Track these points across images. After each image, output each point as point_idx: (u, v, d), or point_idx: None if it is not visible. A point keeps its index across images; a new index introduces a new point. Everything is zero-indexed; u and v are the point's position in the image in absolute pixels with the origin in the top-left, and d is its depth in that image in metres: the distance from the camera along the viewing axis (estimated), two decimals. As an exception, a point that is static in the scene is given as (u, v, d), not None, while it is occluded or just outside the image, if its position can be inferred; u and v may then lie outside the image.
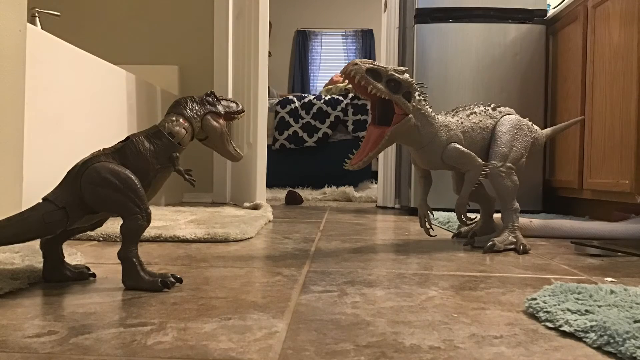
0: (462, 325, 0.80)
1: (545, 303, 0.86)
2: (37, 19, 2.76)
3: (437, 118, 1.51)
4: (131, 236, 0.97)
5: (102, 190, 0.96)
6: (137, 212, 0.97)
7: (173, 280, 1.00)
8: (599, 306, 0.83)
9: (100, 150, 1.01)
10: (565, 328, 0.77)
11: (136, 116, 2.57)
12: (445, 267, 1.27)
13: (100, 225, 1.10)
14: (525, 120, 1.65)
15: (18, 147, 1.50)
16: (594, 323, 0.74)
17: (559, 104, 2.72)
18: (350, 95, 4.70)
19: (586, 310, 0.81)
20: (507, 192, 1.56)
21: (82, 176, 0.97)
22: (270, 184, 4.62)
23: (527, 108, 2.76)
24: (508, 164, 1.56)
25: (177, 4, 3.36)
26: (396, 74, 1.40)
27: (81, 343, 0.68)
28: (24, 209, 1.56)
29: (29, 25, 1.58)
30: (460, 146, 1.50)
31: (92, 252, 1.37)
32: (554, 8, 2.87)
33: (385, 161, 3.21)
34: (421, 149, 1.50)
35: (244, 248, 1.51)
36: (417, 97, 1.46)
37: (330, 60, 7.58)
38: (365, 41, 7.43)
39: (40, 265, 1.05)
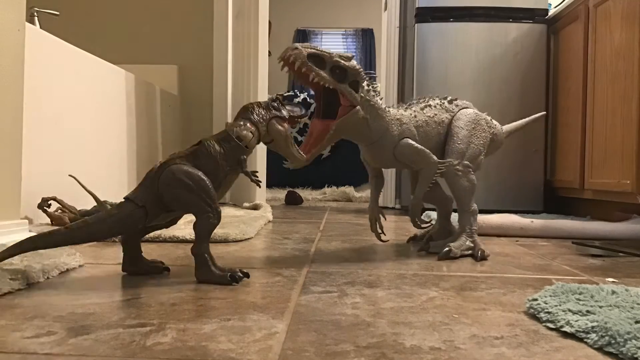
0: (463, 326, 0.79)
1: (547, 304, 0.85)
2: (36, 18, 2.75)
3: (389, 111, 1.38)
4: (203, 233, 1.04)
5: (177, 191, 1.03)
6: (209, 210, 1.03)
7: (241, 274, 1.06)
8: (600, 307, 0.82)
9: (175, 153, 1.08)
10: (567, 329, 0.77)
11: (135, 116, 2.57)
12: (446, 268, 1.26)
13: (175, 222, 1.18)
14: (484, 115, 1.53)
15: (17, 146, 1.49)
16: (595, 324, 0.74)
17: (559, 104, 2.72)
18: None
19: (587, 311, 0.80)
20: (464, 192, 1.43)
21: (159, 178, 1.04)
22: (270, 184, 4.62)
23: (527, 107, 2.75)
24: (465, 162, 1.43)
25: (176, 4, 3.35)
26: (342, 61, 1.27)
27: (80, 344, 0.68)
28: (22, 208, 1.56)
29: (28, 24, 1.58)
30: (413, 142, 1.38)
31: (92, 253, 1.37)
32: (555, 7, 2.86)
33: (386, 161, 3.21)
34: (371, 144, 1.38)
35: (244, 248, 1.50)
36: (366, 87, 1.33)
37: (330, 60, 7.58)
38: (366, 41, 7.43)
39: (40, 266, 1.05)
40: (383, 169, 1.52)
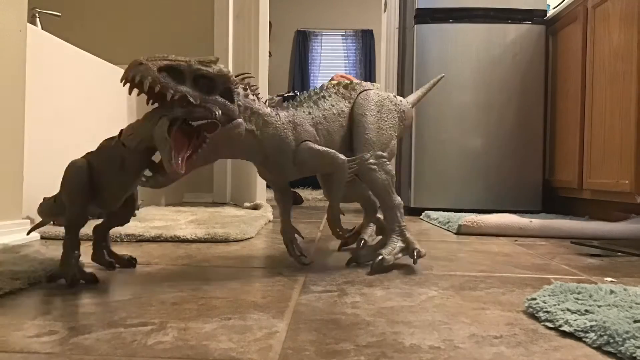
0: (462, 325, 0.80)
1: (545, 303, 0.86)
2: (38, 19, 2.76)
3: (277, 115, 1.16)
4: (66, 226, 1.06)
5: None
6: (67, 207, 1.05)
7: (89, 278, 1.04)
8: (599, 306, 0.83)
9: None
10: (565, 328, 0.77)
11: (136, 116, 2.57)
12: (446, 267, 1.27)
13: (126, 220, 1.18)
14: (388, 94, 1.35)
15: (18, 146, 1.50)
16: (593, 323, 0.74)
17: (558, 104, 2.72)
18: None
19: (586, 310, 0.81)
20: (382, 187, 1.24)
21: None
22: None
23: (527, 108, 2.76)
24: (378, 153, 1.24)
25: (177, 4, 3.36)
26: (204, 68, 1.01)
27: (81, 343, 0.69)
28: (24, 209, 1.57)
29: (29, 25, 1.59)
30: (313, 145, 1.17)
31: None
32: (553, 8, 2.87)
33: (385, 161, 3.21)
34: (265, 159, 1.16)
35: (244, 248, 1.51)
36: (242, 93, 1.09)
37: (330, 61, 7.58)
38: (365, 41, 7.43)
39: (42, 266, 1.06)
40: (285, 186, 1.30)
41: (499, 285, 1.09)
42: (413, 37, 2.83)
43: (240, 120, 1.07)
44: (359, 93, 1.31)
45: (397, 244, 1.25)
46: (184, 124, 1.00)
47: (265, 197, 2.87)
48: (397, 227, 1.26)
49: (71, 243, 1.03)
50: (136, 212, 2.07)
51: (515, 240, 1.80)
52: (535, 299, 0.89)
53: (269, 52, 3.40)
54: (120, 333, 0.73)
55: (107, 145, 1.07)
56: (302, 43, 7.53)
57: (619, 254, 1.50)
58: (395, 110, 1.34)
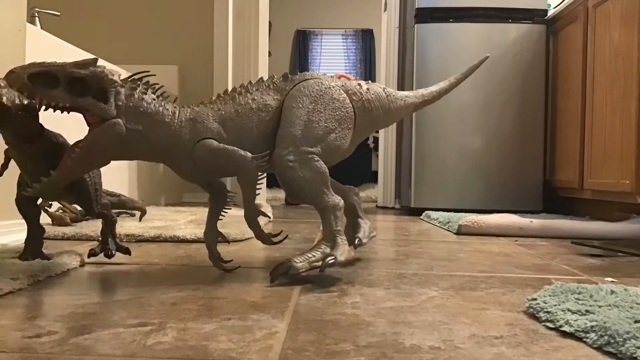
0: (463, 326, 0.80)
1: (546, 303, 0.85)
2: (37, 18, 2.76)
3: (174, 113, 1.10)
4: None
5: None
6: None
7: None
8: (600, 306, 0.83)
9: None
10: (566, 328, 0.77)
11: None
12: (446, 267, 1.27)
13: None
14: (334, 82, 1.20)
15: (18, 147, 1.49)
16: (594, 323, 0.74)
17: (559, 104, 2.72)
18: None
19: (586, 311, 0.80)
20: (307, 186, 1.10)
21: None
22: (270, 184, 4.62)
23: (527, 108, 2.76)
24: (302, 149, 1.10)
25: (177, 4, 3.36)
26: (77, 70, 1.01)
27: (81, 343, 0.68)
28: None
29: (28, 25, 1.58)
30: (213, 142, 1.08)
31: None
32: (554, 8, 2.87)
33: (385, 161, 3.21)
34: (168, 159, 1.11)
35: (244, 248, 1.51)
36: (126, 92, 1.06)
37: (330, 60, 7.58)
38: (365, 41, 7.43)
39: (41, 266, 1.06)
40: (219, 185, 1.21)
41: (500, 285, 1.08)
42: (413, 37, 2.82)
43: (115, 120, 1.04)
44: (297, 84, 1.18)
45: (321, 251, 1.08)
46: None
47: (265, 197, 2.87)
48: (329, 232, 1.10)
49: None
50: (134, 211, 2.08)
51: (516, 241, 1.80)
52: (535, 299, 0.89)
53: (269, 52, 3.40)
54: (120, 333, 0.73)
55: None
56: (302, 43, 7.53)
57: (620, 254, 1.50)
58: (344, 101, 1.18)
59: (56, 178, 1.02)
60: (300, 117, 1.13)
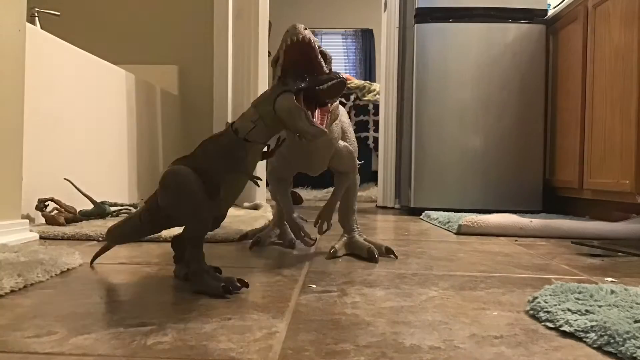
0: (462, 325, 0.80)
1: (546, 303, 0.85)
2: (37, 18, 2.75)
3: None
4: (190, 241, 0.96)
5: (165, 194, 0.96)
6: (191, 217, 0.94)
7: (238, 285, 0.95)
8: (600, 306, 0.83)
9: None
10: (566, 328, 0.77)
11: (136, 116, 2.57)
12: (446, 267, 1.27)
13: (218, 226, 1.09)
14: None
15: (17, 147, 1.50)
16: (594, 323, 0.74)
17: (558, 104, 2.72)
18: (352, 96, 4.64)
19: (586, 310, 0.80)
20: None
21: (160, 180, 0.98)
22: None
23: (527, 108, 2.76)
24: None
25: (176, 4, 3.36)
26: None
27: (81, 343, 0.68)
28: (23, 209, 1.56)
29: (28, 25, 1.58)
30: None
31: (91, 252, 1.36)
32: (554, 8, 2.87)
33: (385, 161, 3.21)
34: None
35: (244, 248, 1.51)
36: None
37: (330, 60, 7.58)
38: (365, 41, 7.43)
39: (41, 266, 1.05)
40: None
41: (499, 285, 1.09)
42: (413, 37, 2.82)
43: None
44: None
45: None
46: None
47: (264, 197, 2.87)
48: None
49: (199, 257, 0.95)
50: (134, 210, 2.08)
51: (516, 240, 1.80)
52: (535, 299, 0.89)
53: (269, 52, 3.40)
54: (120, 333, 0.73)
55: (215, 140, 0.96)
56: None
57: (620, 254, 1.50)
58: None
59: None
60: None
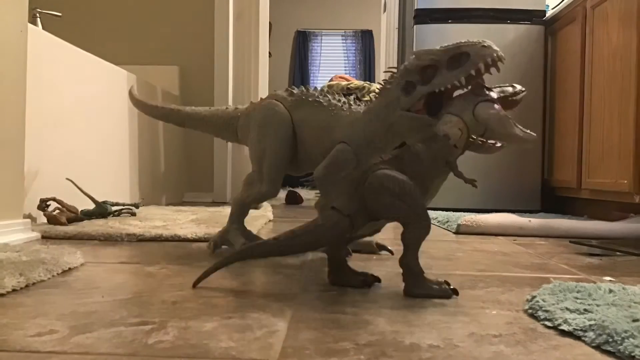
0: (461, 324, 0.80)
1: (545, 302, 0.86)
2: (38, 19, 2.76)
3: None
4: (412, 244, 0.98)
5: (383, 199, 0.96)
6: (418, 219, 0.97)
7: (450, 287, 0.97)
8: (598, 305, 0.83)
9: (380, 157, 1.01)
10: (564, 327, 0.77)
11: (137, 116, 2.58)
12: (445, 267, 1.27)
13: (379, 231, 1.12)
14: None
15: (19, 146, 1.50)
16: (592, 322, 0.75)
17: (557, 104, 2.73)
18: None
19: (585, 309, 0.81)
20: None
21: (364, 185, 0.97)
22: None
23: (526, 108, 2.76)
24: None
25: (177, 5, 3.36)
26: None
27: (82, 342, 0.69)
28: (25, 209, 1.57)
29: (30, 25, 1.59)
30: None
31: (92, 252, 1.37)
32: (552, 9, 2.87)
33: (385, 161, 3.21)
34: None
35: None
36: None
37: (330, 61, 7.58)
38: (365, 42, 7.43)
39: (42, 265, 1.06)
40: None
41: (498, 284, 1.09)
42: (412, 38, 2.83)
43: None
44: None
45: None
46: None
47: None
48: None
49: (418, 261, 0.99)
50: (135, 210, 2.08)
51: (514, 240, 1.80)
52: (534, 298, 0.89)
53: (269, 53, 3.41)
54: (121, 332, 0.73)
55: (427, 144, 1.01)
56: (302, 43, 7.53)
57: (618, 253, 1.51)
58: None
59: None
60: None
